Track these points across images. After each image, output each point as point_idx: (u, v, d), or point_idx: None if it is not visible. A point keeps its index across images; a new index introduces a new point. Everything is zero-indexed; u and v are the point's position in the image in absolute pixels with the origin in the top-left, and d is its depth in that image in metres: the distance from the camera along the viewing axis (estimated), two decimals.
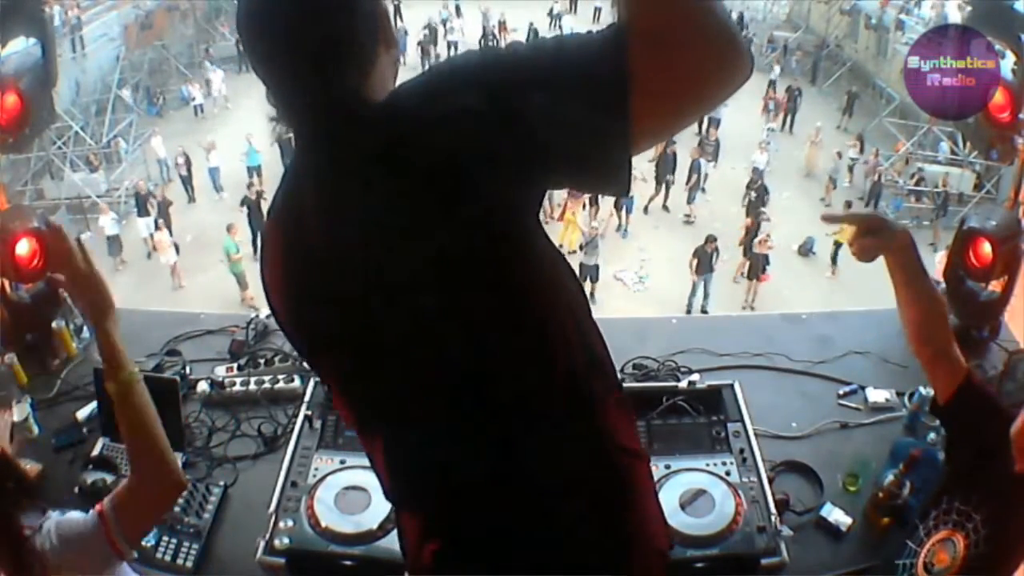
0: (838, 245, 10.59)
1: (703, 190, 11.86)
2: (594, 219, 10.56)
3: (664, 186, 11.75)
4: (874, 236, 1.47)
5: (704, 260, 9.51)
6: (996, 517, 1.43)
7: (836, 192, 12.06)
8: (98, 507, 1.34)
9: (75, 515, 1.35)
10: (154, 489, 1.34)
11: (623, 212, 11.15)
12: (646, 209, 11.71)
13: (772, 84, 14.89)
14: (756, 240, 9.79)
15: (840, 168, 12.53)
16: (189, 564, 2.01)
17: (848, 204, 10.75)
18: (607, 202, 10.87)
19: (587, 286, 9.66)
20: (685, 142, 13.23)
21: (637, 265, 10.40)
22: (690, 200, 11.60)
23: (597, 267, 9.68)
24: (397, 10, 16.67)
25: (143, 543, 1.98)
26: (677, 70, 0.79)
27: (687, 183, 11.58)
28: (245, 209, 10.14)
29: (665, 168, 11.58)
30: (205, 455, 2.34)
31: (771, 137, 13.18)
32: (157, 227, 10.38)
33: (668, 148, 11.36)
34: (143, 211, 10.82)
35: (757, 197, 10.99)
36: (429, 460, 0.97)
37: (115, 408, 1.34)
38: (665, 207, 11.86)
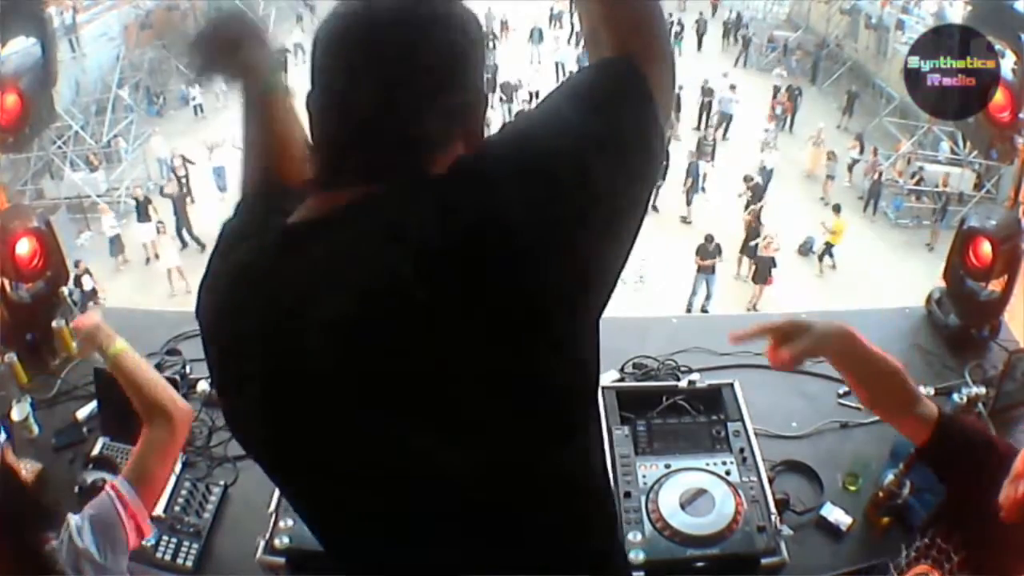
0: (829, 245, 10.63)
1: (703, 190, 11.83)
2: None
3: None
4: (801, 343, 1.28)
5: (707, 258, 9.50)
6: (975, 562, 1.37)
7: (835, 192, 12.05)
8: (108, 485, 1.44)
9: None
10: (168, 427, 1.49)
11: None
12: None
13: (778, 90, 14.82)
14: (762, 243, 9.74)
15: (838, 168, 12.53)
16: (189, 564, 2.01)
17: (837, 208, 10.73)
18: None
19: None
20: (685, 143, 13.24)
21: (637, 265, 10.39)
22: (689, 201, 11.57)
23: None
24: None
25: (143, 543, 1.99)
26: (667, 81, 0.86)
27: (685, 184, 11.54)
28: None
29: None
30: (205, 455, 2.33)
31: (769, 137, 13.17)
32: (159, 231, 10.33)
33: None
34: (143, 216, 10.79)
35: (754, 196, 10.95)
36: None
37: (117, 377, 1.56)
38: (654, 207, 11.84)
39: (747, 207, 10.75)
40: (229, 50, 1.15)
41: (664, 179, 11.62)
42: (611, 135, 0.82)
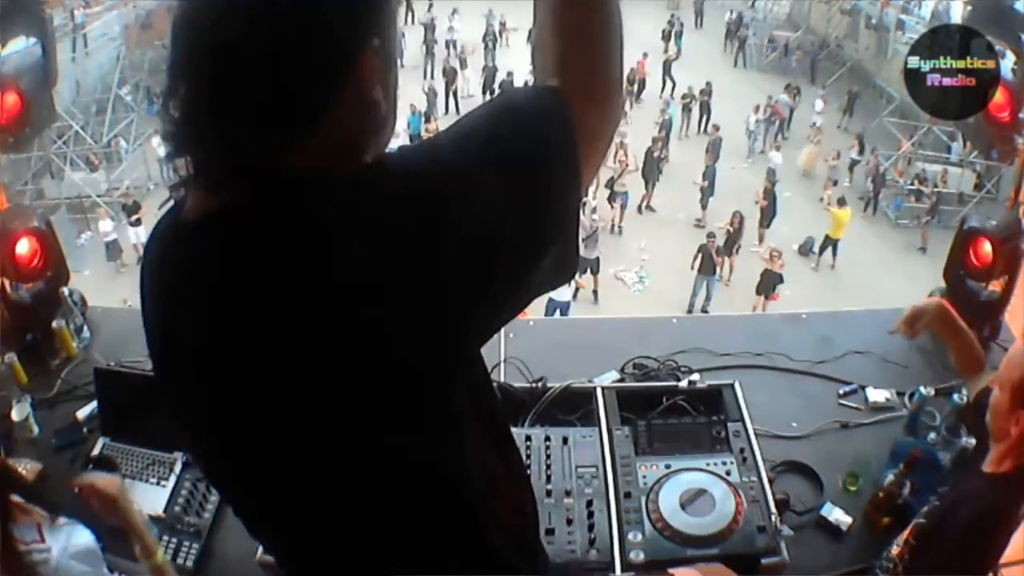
0: (827, 239, 10.60)
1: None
2: (593, 212, 10.44)
3: (651, 185, 11.76)
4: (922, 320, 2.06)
5: (708, 258, 9.48)
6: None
7: (836, 192, 12.05)
8: None
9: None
10: None
11: (620, 210, 11.14)
12: (640, 208, 11.71)
13: (796, 90, 14.74)
14: (767, 256, 9.71)
15: (839, 168, 12.52)
16: (189, 564, 2.01)
17: (842, 201, 10.75)
18: (601, 198, 10.90)
19: (588, 279, 9.63)
20: (684, 142, 13.25)
21: (637, 265, 10.40)
22: (704, 205, 11.51)
23: (598, 259, 9.58)
24: (408, 6, 16.46)
25: None
26: (606, 127, 0.83)
27: (701, 188, 11.48)
28: None
29: (651, 169, 11.58)
30: None
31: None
32: None
33: (655, 149, 11.42)
34: (134, 220, 10.79)
35: (768, 205, 10.88)
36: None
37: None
38: (649, 207, 11.83)
39: (761, 215, 10.69)
40: None
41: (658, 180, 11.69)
42: (517, 170, 0.77)
